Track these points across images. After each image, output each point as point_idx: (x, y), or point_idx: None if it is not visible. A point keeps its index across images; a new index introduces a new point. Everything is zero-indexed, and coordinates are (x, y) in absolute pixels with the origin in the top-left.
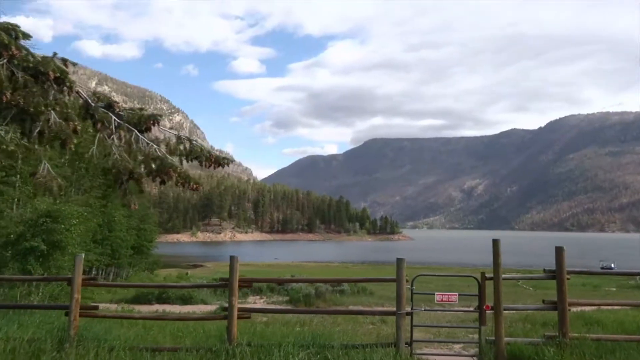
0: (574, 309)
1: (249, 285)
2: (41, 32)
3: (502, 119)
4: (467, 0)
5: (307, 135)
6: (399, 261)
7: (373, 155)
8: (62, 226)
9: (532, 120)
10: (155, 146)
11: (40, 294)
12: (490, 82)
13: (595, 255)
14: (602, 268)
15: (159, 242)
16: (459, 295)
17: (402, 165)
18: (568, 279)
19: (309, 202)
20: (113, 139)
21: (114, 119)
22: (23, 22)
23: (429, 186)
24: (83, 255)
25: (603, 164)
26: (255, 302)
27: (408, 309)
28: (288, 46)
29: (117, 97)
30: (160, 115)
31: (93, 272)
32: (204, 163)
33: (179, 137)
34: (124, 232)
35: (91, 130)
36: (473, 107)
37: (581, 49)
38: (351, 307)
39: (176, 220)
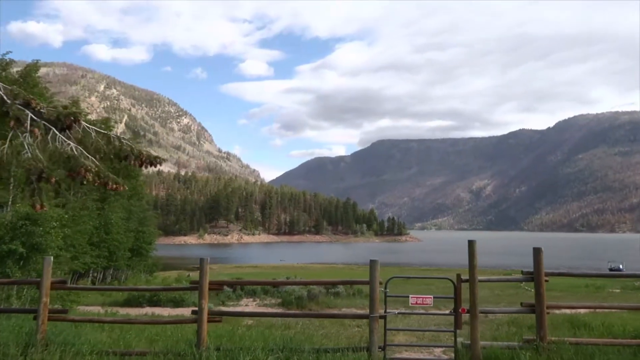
0: (567, 312)
1: (219, 288)
2: (51, 36)
3: (510, 120)
4: (475, 1)
5: (314, 137)
6: (372, 263)
7: (381, 156)
8: (41, 229)
9: (541, 121)
10: (72, 145)
11: (22, 297)
12: (498, 83)
13: (605, 256)
14: (610, 269)
15: (166, 244)
16: (433, 297)
17: (410, 166)
18: (546, 280)
19: (316, 203)
20: (26, 136)
21: (30, 116)
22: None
23: (437, 187)
24: (52, 258)
25: (613, 164)
26: (248, 304)
27: (382, 311)
28: (296, 48)
29: (125, 100)
30: (82, 113)
31: (90, 274)
32: (133, 162)
33: (109, 137)
34: (121, 235)
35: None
36: (481, 108)
37: (590, 48)
38: (328, 311)
39: (183, 223)
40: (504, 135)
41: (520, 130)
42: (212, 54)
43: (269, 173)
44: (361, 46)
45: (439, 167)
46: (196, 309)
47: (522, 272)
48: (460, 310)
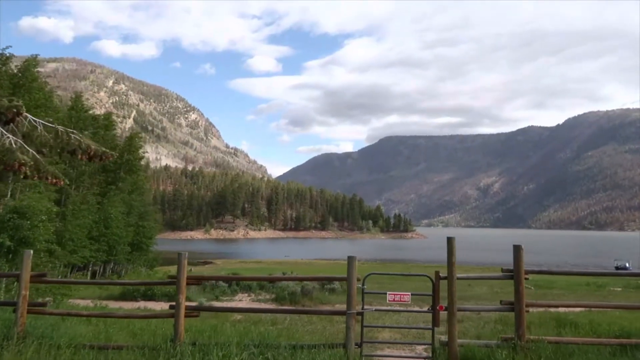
0: (562, 310)
1: (197, 282)
2: (62, 32)
3: (519, 117)
4: None
5: (322, 133)
6: (350, 259)
7: (388, 153)
8: (28, 222)
9: (550, 118)
10: (12, 138)
11: (13, 290)
12: (508, 79)
13: (612, 254)
14: (617, 267)
15: (172, 239)
16: (411, 294)
17: (418, 163)
18: (527, 278)
19: (322, 199)
20: None
21: None
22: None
23: (444, 184)
24: (31, 251)
25: (622, 162)
26: (242, 299)
27: (359, 308)
28: (304, 44)
29: (133, 96)
30: (22, 106)
31: (90, 268)
32: (80, 156)
33: (57, 130)
34: (120, 229)
35: None
36: (490, 105)
37: (602, 44)
38: (308, 307)
39: (190, 218)
40: (512, 132)
41: (529, 127)
42: (221, 49)
43: (276, 169)
44: (370, 42)
45: (447, 163)
46: (173, 303)
47: (502, 270)
48: (437, 307)
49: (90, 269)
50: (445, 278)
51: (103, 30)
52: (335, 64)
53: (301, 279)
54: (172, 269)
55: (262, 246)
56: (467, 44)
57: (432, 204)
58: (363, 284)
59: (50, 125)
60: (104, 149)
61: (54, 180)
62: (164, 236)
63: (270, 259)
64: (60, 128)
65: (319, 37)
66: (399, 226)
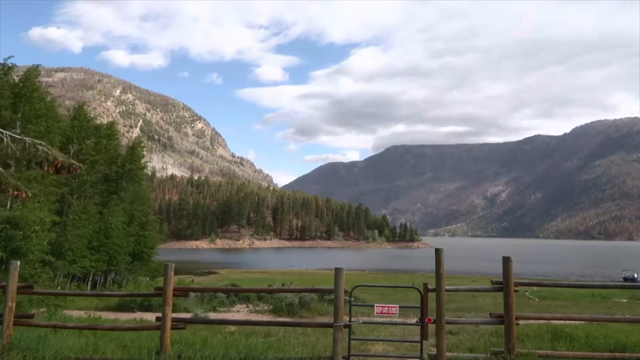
0: (561, 323)
1: (184, 294)
2: (71, 42)
3: (526, 125)
4: (492, 6)
5: (329, 143)
6: (337, 271)
7: (394, 162)
8: (21, 233)
9: (557, 127)
10: None
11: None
12: (515, 88)
13: (620, 265)
14: (625, 278)
15: (178, 248)
16: (399, 307)
17: (424, 172)
18: (516, 290)
19: (328, 209)
20: None
21: None
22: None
23: (451, 193)
24: (18, 263)
25: (631, 171)
26: (240, 310)
27: (347, 320)
28: (311, 54)
29: (140, 105)
30: None
31: (90, 278)
32: (47, 168)
33: (24, 142)
34: (121, 239)
35: None
36: (497, 114)
37: (610, 53)
38: (298, 319)
39: (195, 227)
40: (519, 141)
41: (536, 135)
42: (228, 59)
43: (282, 178)
44: (377, 51)
45: (454, 173)
46: (159, 315)
47: (492, 282)
48: (426, 320)
49: (90, 279)
50: (433, 290)
51: (112, 40)
52: (342, 73)
53: (287, 291)
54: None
55: (268, 256)
56: (474, 53)
57: (439, 214)
58: (350, 296)
59: (17, 137)
60: (71, 160)
61: (16, 193)
62: (169, 245)
63: (275, 269)
64: (27, 140)
65: (326, 47)
66: (404, 236)
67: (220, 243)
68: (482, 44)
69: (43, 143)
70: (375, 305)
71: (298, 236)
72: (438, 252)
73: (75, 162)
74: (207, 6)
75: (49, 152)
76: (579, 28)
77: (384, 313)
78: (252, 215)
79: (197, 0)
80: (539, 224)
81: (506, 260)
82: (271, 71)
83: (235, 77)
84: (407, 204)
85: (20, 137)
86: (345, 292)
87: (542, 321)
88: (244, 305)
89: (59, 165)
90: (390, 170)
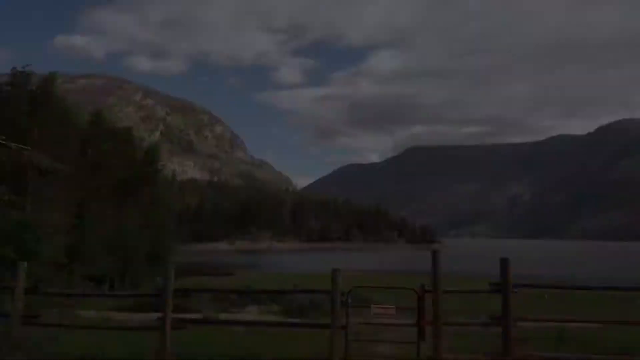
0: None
1: (185, 295)
2: (93, 48)
3: (549, 125)
4: (513, 6)
5: (348, 144)
6: (334, 272)
7: (415, 163)
8: (30, 235)
9: (581, 126)
10: None
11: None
12: (536, 88)
13: None
14: None
15: (197, 250)
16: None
17: (445, 173)
18: (515, 292)
19: (347, 210)
20: None
21: None
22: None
23: (472, 194)
24: (25, 264)
25: None
26: (250, 311)
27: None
28: (330, 56)
29: (160, 110)
30: None
31: (108, 280)
32: (31, 171)
33: (9, 148)
34: (138, 241)
35: None
36: (518, 113)
37: (633, 51)
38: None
39: (215, 229)
40: (541, 141)
41: (559, 135)
42: (248, 63)
43: (302, 180)
44: (395, 53)
45: (474, 173)
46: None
47: (490, 284)
48: (422, 321)
49: (107, 280)
50: (430, 291)
51: (134, 46)
52: (361, 75)
53: (286, 292)
54: (189, 281)
55: (287, 258)
56: (494, 53)
57: (460, 215)
58: (347, 297)
59: (3, 142)
60: (55, 163)
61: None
62: (189, 248)
63: (291, 272)
64: (12, 145)
65: (345, 49)
66: (425, 237)
67: (239, 245)
68: (502, 44)
69: (28, 148)
70: (372, 306)
71: (317, 238)
72: (435, 254)
73: (58, 165)
74: (226, 12)
75: (33, 157)
76: (601, 26)
77: (381, 314)
78: (271, 217)
79: (217, 6)
80: (563, 225)
81: (504, 262)
82: (290, 74)
83: (254, 81)
84: (427, 206)
85: (6, 143)
86: (342, 294)
87: (553, 323)
88: (256, 306)
89: (43, 168)
90: (410, 172)
